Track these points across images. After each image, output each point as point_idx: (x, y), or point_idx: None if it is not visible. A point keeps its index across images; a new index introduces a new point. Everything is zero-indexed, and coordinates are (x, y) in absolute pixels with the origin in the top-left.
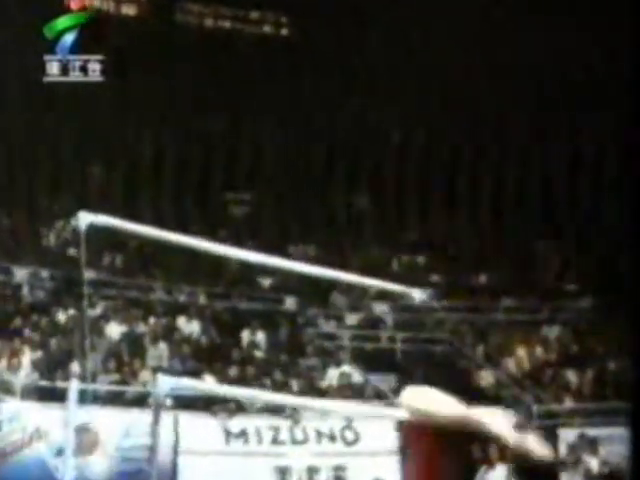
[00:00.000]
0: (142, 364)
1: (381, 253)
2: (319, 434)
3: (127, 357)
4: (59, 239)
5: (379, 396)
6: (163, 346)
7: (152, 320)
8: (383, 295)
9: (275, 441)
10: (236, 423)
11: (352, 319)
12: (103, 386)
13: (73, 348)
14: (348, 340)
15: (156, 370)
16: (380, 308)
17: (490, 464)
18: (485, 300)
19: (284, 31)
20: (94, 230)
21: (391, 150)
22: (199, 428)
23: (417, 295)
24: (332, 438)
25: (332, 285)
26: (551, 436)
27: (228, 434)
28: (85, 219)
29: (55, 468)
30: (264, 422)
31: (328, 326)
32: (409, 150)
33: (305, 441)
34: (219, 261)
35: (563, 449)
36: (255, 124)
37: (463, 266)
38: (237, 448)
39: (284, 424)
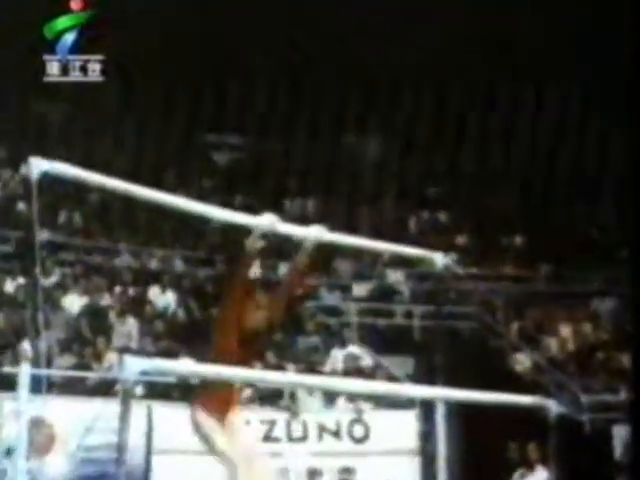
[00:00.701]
0: (107, 344)
1: (396, 209)
2: (322, 429)
3: (89, 335)
4: (5, 191)
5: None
6: (132, 322)
7: (118, 290)
8: (398, 261)
9: (268, 438)
10: None
11: (360, 290)
12: (60, 371)
13: (24, 325)
14: (355, 315)
15: (124, 351)
16: (394, 276)
17: (529, 467)
18: (522, 267)
19: None
20: (48, 180)
21: (408, 83)
22: (177, 422)
23: (439, 260)
24: (337, 434)
25: (336, 248)
26: (604, 433)
27: None
28: (38, 167)
29: (3, 471)
30: (255, 415)
31: (331, 298)
32: (430, 83)
33: (305, 438)
34: (200, 220)
35: (618, 448)
36: (246, 51)
37: (495, 225)
38: None
39: (279, 417)
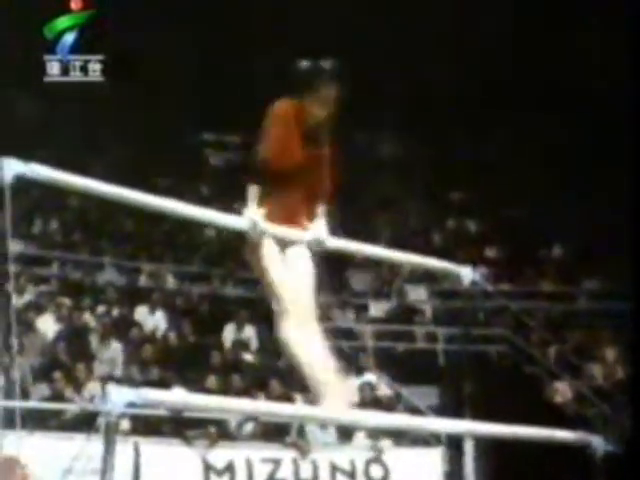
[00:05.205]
0: (88, 372)
1: (418, 217)
2: (335, 470)
3: (67, 362)
4: None
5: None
6: (116, 347)
7: (101, 310)
8: (419, 276)
9: (273, 479)
10: (219, 454)
11: (377, 309)
12: (35, 403)
13: None
14: (372, 338)
15: (107, 379)
16: (416, 294)
17: None
18: (561, 282)
19: None
20: (23, 185)
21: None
22: (168, 461)
23: (466, 275)
24: (352, 476)
25: (349, 261)
26: None
27: (208, 469)
28: (11, 169)
29: None
30: (258, 453)
31: (344, 319)
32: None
33: (315, 479)
34: (194, 230)
35: None
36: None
37: (530, 235)
38: None
39: (286, 456)
